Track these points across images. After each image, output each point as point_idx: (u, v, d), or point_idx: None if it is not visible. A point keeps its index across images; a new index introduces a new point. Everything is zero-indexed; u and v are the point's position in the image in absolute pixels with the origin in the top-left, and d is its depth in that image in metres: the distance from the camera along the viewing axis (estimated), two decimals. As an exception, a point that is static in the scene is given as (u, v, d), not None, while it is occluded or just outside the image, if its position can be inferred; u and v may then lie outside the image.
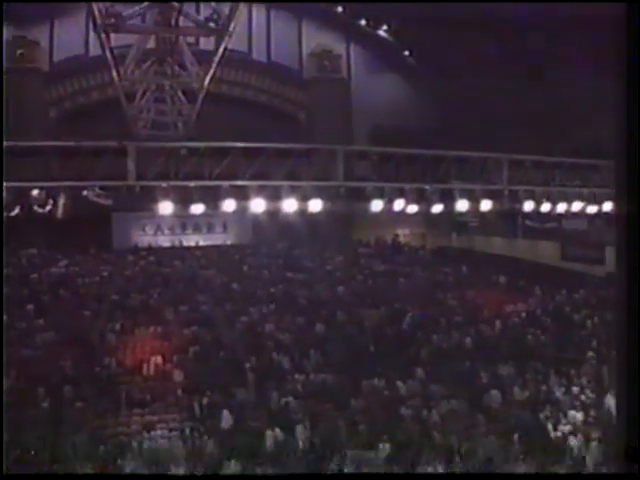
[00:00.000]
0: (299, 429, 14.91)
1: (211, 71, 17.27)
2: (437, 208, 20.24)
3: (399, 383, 17.56)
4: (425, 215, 26.32)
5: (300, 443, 14.55)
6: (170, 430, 15.47)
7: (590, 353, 19.13)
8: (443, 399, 16.75)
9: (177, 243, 31.68)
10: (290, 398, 16.56)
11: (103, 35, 14.72)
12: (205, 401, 16.41)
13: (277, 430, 14.71)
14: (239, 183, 17.63)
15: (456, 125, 28.57)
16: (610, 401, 15.29)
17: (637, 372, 3.33)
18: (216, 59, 15.93)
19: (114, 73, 18.26)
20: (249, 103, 32.94)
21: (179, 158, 17.07)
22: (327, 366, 18.65)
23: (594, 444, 14.16)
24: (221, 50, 15.55)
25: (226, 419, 15.63)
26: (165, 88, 20.24)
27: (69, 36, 31.39)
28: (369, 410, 16.34)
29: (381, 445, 14.19)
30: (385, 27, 34.08)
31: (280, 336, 20.46)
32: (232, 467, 13.11)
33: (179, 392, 17.15)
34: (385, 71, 35.42)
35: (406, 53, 34.67)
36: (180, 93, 20.92)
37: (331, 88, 34.14)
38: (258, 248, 30.78)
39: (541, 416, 15.84)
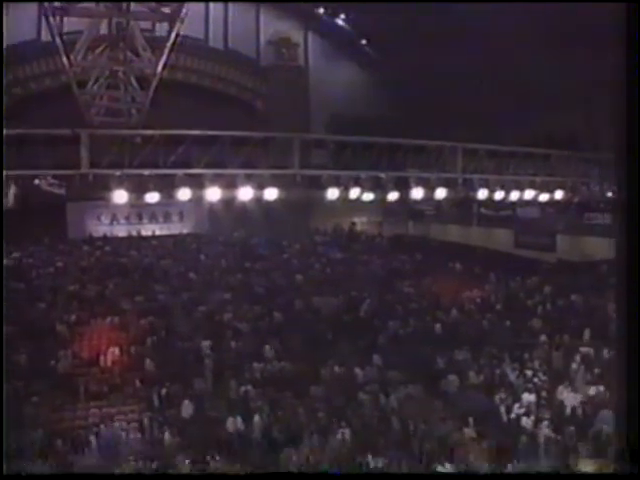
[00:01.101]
0: (258, 417, 14.95)
1: (163, 57, 17.03)
2: (393, 196, 20.45)
3: (357, 370, 17.72)
4: (382, 203, 26.57)
5: (259, 431, 14.59)
6: (129, 422, 15.34)
7: (542, 337, 19.57)
8: (401, 385, 16.99)
9: (133, 233, 31.26)
10: (249, 387, 16.59)
11: (53, 19, 14.35)
12: (164, 391, 16.32)
13: (237, 418, 14.74)
14: (194, 171, 17.51)
15: (412, 114, 28.78)
16: (562, 387, 15.78)
17: (637, 372, 3.37)
18: (168, 45, 15.69)
19: (64, 59, 17.85)
20: (206, 91, 32.58)
21: (133, 146, 16.83)
22: (285, 354, 18.69)
23: (545, 423, 14.60)
24: (173, 36, 15.32)
25: (185, 409, 15.58)
26: (118, 75, 19.88)
27: (21, 21, 30.52)
28: (328, 397, 16.47)
29: (340, 431, 14.34)
30: (343, 16, 34.07)
31: (238, 325, 20.43)
32: (187, 455, 13.07)
33: (137, 383, 16.99)
34: (342, 60, 35.44)
35: (363, 42, 34.73)
36: (133, 80, 20.57)
37: (288, 76, 34.01)
38: (215, 237, 30.62)
39: (496, 399, 16.19)
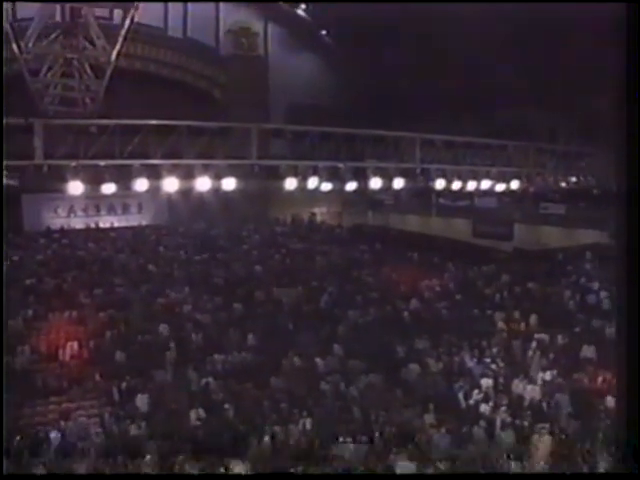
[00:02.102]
0: (220, 409, 14.92)
1: (117, 45, 16.76)
2: (351, 186, 20.54)
3: (318, 360, 17.78)
4: (341, 193, 26.64)
5: (221, 422, 14.55)
6: (89, 417, 15.14)
7: (500, 324, 19.92)
8: (361, 374, 17.11)
9: (91, 225, 30.75)
10: (210, 378, 16.53)
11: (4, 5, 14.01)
12: (124, 385, 16.14)
13: (199, 411, 14.67)
14: (151, 162, 17.30)
15: (371, 105, 28.90)
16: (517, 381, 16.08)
17: (637, 372, 3.40)
18: (123, 32, 15.43)
19: (14, 46, 17.43)
20: (164, 80, 32.11)
21: (89, 136, 16.53)
22: (246, 345, 18.67)
23: (503, 409, 14.90)
24: (127, 23, 15.08)
25: (146, 402, 15.44)
26: (72, 63, 19.49)
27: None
28: (289, 387, 16.50)
29: (302, 421, 14.39)
30: (303, 6, 33.95)
31: (198, 316, 20.32)
32: (152, 449, 12.96)
33: (97, 377, 16.76)
34: (302, 50, 35.32)
35: (323, 32, 34.67)
36: (88, 68, 20.20)
37: (248, 66, 33.76)
38: (174, 228, 30.32)
39: (455, 386, 16.44)
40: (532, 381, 16.40)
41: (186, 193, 19.70)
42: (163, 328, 19.19)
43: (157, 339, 18.75)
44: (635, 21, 3.14)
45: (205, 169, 17.84)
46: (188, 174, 17.73)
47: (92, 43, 18.09)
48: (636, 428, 3.43)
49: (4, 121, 14.37)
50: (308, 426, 14.33)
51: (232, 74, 33.42)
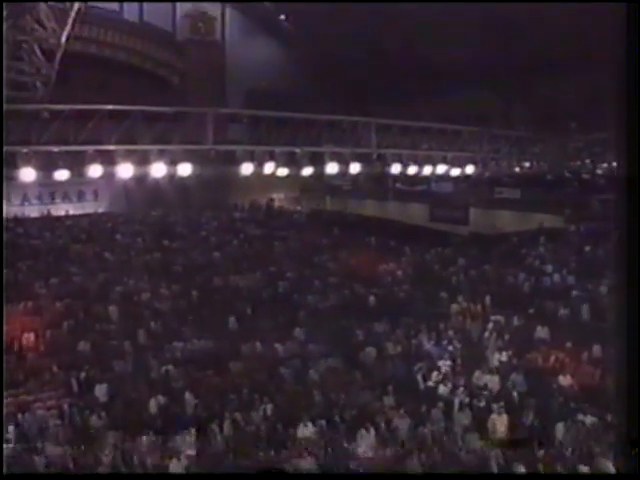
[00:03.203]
0: (181, 396, 14.86)
1: (67, 27, 16.46)
2: (307, 171, 20.60)
3: (277, 345, 17.83)
4: (299, 179, 26.69)
5: (182, 409, 14.51)
6: (48, 409, 14.90)
7: (456, 307, 20.24)
8: (321, 358, 17.22)
9: (45, 213, 30.11)
10: (170, 366, 16.41)
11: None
12: (82, 375, 15.91)
13: (159, 398, 14.60)
14: (105, 148, 17.05)
15: (328, 90, 28.92)
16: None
17: (637, 372, 3.46)
18: (72, 14, 15.16)
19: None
20: (120, 65, 31.54)
21: (41, 121, 16.20)
22: (205, 332, 18.59)
23: (461, 390, 15.20)
24: (77, 5, 14.81)
25: (106, 392, 15.28)
26: (22, 45, 19.06)
27: None
28: (249, 373, 16.53)
29: (263, 406, 14.44)
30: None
31: (157, 304, 20.16)
32: (111, 439, 12.87)
33: (54, 368, 16.47)
34: (260, 35, 35.06)
35: (282, 17, 34.44)
36: (38, 50, 19.77)
37: (205, 51, 33.41)
38: (131, 216, 29.92)
39: (414, 368, 16.67)
40: (488, 363, 16.76)
41: (142, 179, 19.48)
42: (121, 317, 18.97)
43: (115, 328, 18.53)
44: (635, 21, 3.22)
45: (160, 155, 17.70)
46: (143, 160, 17.57)
47: (42, 25, 17.72)
48: (636, 427, 3.49)
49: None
50: (269, 411, 14.39)
51: (189, 59, 33.04)
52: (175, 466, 12.04)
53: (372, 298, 21.42)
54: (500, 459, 12.43)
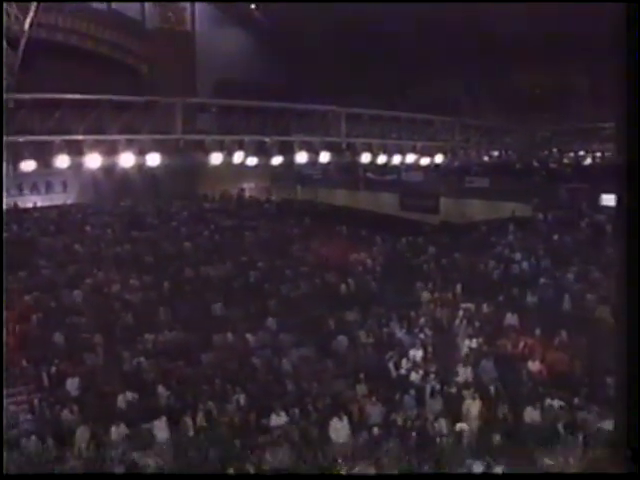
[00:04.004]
0: (153, 388, 14.80)
1: (30, 14, 16.18)
2: (277, 160, 20.57)
3: (249, 335, 17.82)
4: (269, 168, 26.62)
5: (155, 401, 14.46)
6: (18, 404, 14.72)
7: (427, 295, 20.42)
8: (293, 347, 17.28)
9: (12, 205, 29.53)
10: (142, 358, 16.33)
11: None
12: (53, 369, 15.74)
13: (132, 391, 14.51)
14: (72, 137, 16.82)
15: (298, 80, 28.86)
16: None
17: (637, 372, 3.45)
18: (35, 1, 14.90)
19: None
20: (88, 53, 31.00)
21: (6, 111, 15.90)
22: (177, 323, 18.51)
23: (432, 377, 15.38)
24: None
25: (77, 386, 15.14)
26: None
27: None
28: (221, 363, 16.51)
29: (235, 396, 14.45)
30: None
31: (127, 296, 19.99)
32: (83, 431, 12.78)
33: (24, 363, 16.24)
34: (230, 24, 34.77)
35: (252, 7, 34.19)
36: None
37: (175, 40, 33.01)
38: (101, 207, 29.50)
39: (386, 356, 16.82)
40: (459, 351, 17.00)
41: (111, 170, 19.27)
42: (92, 309, 18.78)
43: (86, 321, 18.34)
44: (635, 21, 3.24)
45: (129, 144, 17.50)
46: (111, 150, 17.36)
47: (4, 12, 17.39)
48: (636, 428, 3.50)
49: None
50: (242, 401, 14.41)
51: (158, 48, 32.60)
52: (149, 458, 12.01)
53: (343, 287, 21.52)
54: (473, 444, 12.70)
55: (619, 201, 3.32)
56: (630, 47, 3.12)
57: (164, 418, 13.34)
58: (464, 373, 15.67)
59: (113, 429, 12.94)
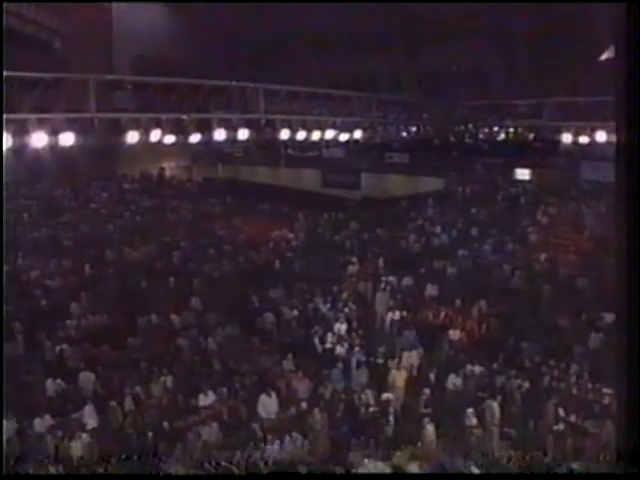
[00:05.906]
0: (78, 375, 14.55)
1: None
2: (195, 138, 20.32)
3: (174, 316, 17.72)
4: (190, 147, 26.26)
5: (81, 388, 14.24)
6: None
7: (350, 269, 20.79)
8: (219, 326, 17.31)
9: None
10: (65, 345, 15.97)
11: None
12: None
13: (56, 380, 14.21)
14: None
15: (216, 56, 28.46)
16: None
17: (637, 371, 3.50)
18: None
19: None
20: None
21: None
22: (99, 307, 18.18)
23: (357, 349, 15.79)
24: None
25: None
26: None
27: None
28: (147, 346, 16.39)
29: (162, 378, 14.40)
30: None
31: (47, 282, 19.48)
32: (10, 425, 12.47)
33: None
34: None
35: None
36: None
37: (91, 15, 31.77)
38: (16, 190, 28.36)
39: (311, 331, 17.09)
40: (382, 323, 17.47)
41: (25, 151, 18.58)
42: (10, 296, 18.18)
43: (5, 309, 17.75)
44: (635, 21, 3.33)
45: (40, 124, 16.88)
46: (22, 129, 16.70)
47: None
48: (636, 428, 3.56)
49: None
50: (169, 383, 14.38)
51: (73, 24, 31.32)
52: (77, 446, 11.88)
53: (267, 264, 21.61)
54: (398, 411, 13.19)
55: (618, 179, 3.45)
56: (630, 47, 3.27)
57: (92, 405, 13.17)
58: (388, 344, 16.15)
59: (37, 421, 12.67)
